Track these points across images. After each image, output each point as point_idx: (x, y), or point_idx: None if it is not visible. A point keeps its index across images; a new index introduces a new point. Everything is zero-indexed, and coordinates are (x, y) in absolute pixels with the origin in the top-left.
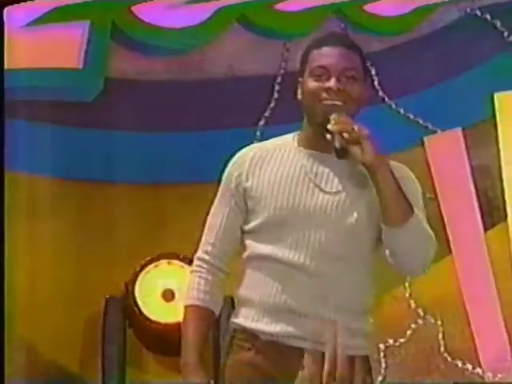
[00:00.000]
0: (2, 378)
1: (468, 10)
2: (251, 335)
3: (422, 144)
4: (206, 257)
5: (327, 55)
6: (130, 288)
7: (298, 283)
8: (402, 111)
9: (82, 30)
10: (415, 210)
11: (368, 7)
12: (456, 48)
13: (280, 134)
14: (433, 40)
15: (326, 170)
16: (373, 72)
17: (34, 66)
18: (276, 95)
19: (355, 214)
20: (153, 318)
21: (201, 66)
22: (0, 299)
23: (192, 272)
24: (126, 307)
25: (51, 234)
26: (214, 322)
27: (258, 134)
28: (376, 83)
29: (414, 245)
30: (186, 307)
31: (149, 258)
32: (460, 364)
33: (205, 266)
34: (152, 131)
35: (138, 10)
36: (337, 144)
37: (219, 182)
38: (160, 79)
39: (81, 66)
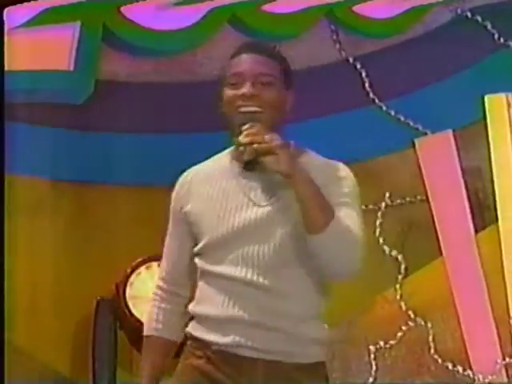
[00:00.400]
0: (2, 378)
1: (459, 12)
2: (202, 344)
3: (413, 146)
4: (163, 284)
5: (242, 62)
6: (120, 290)
7: (245, 296)
8: (392, 113)
9: (72, 32)
10: (338, 212)
11: (359, 9)
12: (447, 50)
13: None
14: (423, 42)
15: (258, 183)
16: (363, 74)
17: (31, 68)
18: None
19: (287, 225)
20: (143, 319)
21: (192, 67)
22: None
23: (151, 301)
24: (116, 309)
25: (48, 236)
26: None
27: None
28: (367, 85)
29: (336, 250)
30: (144, 337)
31: (140, 260)
32: (450, 366)
33: (161, 294)
34: (144, 133)
35: (128, 11)
36: (245, 156)
37: None
38: (151, 81)
39: (72, 68)
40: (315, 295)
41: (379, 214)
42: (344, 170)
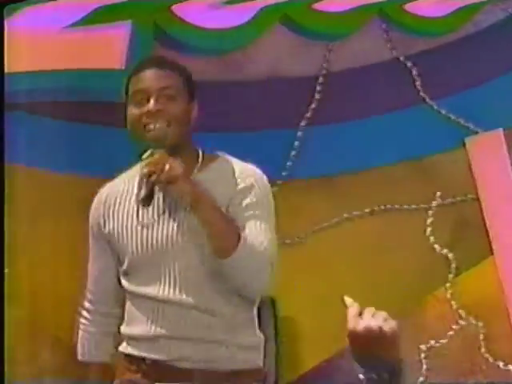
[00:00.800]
0: (2, 378)
1: (510, 11)
2: (136, 359)
3: (464, 145)
4: (90, 306)
5: (143, 78)
6: None
7: (169, 314)
8: (443, 112)
9: (124, 30)
10: (245, 229)
11: (410, 7)
12: (498, 49)
13: (321, 135)
14: (475, 41)
15: (168, 199)
16: (414, 72)
17: (81, 67)
18: (317, 96)
19: (174, 239)
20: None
21: (242, 66)
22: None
23: (79, 324)
24: None
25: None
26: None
27: (300, 134)
28: (418, 84)
29: (245, 272)
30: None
31: None
32: (502, 365)
33: (88, 316)
34: (194, 132)
35: (179, 10)
36: (142, 192)
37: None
38: (202, 79)
39: (123, 67)
40: (240, 304)
41: (430, 212)
42: (252, 177)
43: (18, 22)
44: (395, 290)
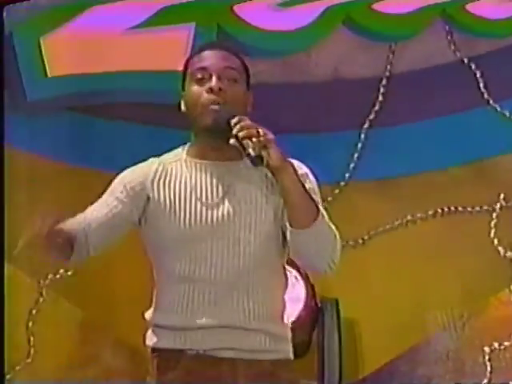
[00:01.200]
0: (2, 378)
1: None
2: (176, 353)
3: None
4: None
5: (206, 57)
6: None
7: (216, 299)
8: (507, 114)
9: (188, 32)
10: (321, 209)
11: (473, 8)
12: None
13: (384, 137)
14: None
15: (209, 179)
16: (478, 74)
17: (144, 68)
18: (381, 98)
19: (242, 221)
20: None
21: (306, 68)
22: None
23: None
24: None
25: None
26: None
27: (363, 136)
28: (481, 85)
29: (318, 246)
30: None
31: None
32: None
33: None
34: None
35: (241, 11)
36: (251, 151)
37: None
38: (265, 81)
39: None
40: (280, 294)
41: (494, 215)
42: (305, 168)
43: (81, 22)
44: (458, 293)
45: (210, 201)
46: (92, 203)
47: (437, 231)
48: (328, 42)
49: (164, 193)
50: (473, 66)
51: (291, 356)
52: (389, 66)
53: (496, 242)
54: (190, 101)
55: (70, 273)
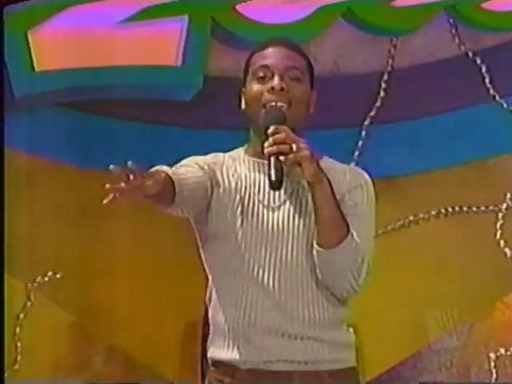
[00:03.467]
0: (2, 378)
1: None
2: (230, 367)
3: None
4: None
5: (269, 55)
6: None
7: (273, 304)
8: None
9: (180, 26)
10: (351, 230)
11: (479, 0)
12: None
13: (386, 134)
14: None
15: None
16: (483, 69)
17: (135, 63)
18: (382, 93)
19: (300, 227)
20: None
21: None
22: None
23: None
24: None
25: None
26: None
27: (363, 134)
28: (487, 81)
29: (342, 268)
30: None
31: None
32: None
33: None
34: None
35: (239, 5)
36: (272, 176)
37: None
38: None
39: (179, 64)
40: (336, 300)
41: (500, 215)
42: (360, 176)
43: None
44: (463, 297)
45: (272, 203)
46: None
47: (440, 232)
48: (327, 35)
49: (230, 184)
50: (478, 61)
51: (354, 364)
52: (390, 61)
53: (502, 243)
54: (250, 99)
55: (59, 275)
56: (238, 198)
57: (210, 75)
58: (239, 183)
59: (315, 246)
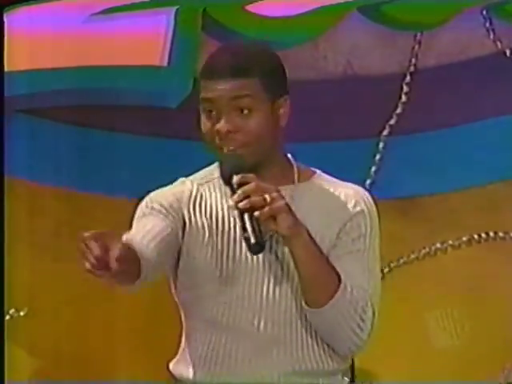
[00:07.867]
0: (2, 378)
1: None
2: None
3: None
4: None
5: (211, 86)
6: None
7: (253, 352)
8: None
9: (166, 19)
10: (343, 281)
11: None
12: None
13: (407, 146)
14: None
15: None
16: None
17: (111, 63)
18: (404, 98)
19: (284, 264)
20: None
21: (312, 62)
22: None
23: None
24: None
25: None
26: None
27: (381, 145)
28: None
29: (338, 325)
30: None
31: None
32: None
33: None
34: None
35: None
36: (251, 238)
37: None
38: None
39: (165, 64)
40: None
41: None
42: (361, 199)
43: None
44: (500, 336)
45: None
46: None
47: (473, 261)
48: (338, 30)
49: (201, 220)
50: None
51: None
52: (413, 60)
53: None
54: (204, 136)
55: (22, 313)
56: (209, 238)
57: None
58: (214, 212)
59: (303, 304)
